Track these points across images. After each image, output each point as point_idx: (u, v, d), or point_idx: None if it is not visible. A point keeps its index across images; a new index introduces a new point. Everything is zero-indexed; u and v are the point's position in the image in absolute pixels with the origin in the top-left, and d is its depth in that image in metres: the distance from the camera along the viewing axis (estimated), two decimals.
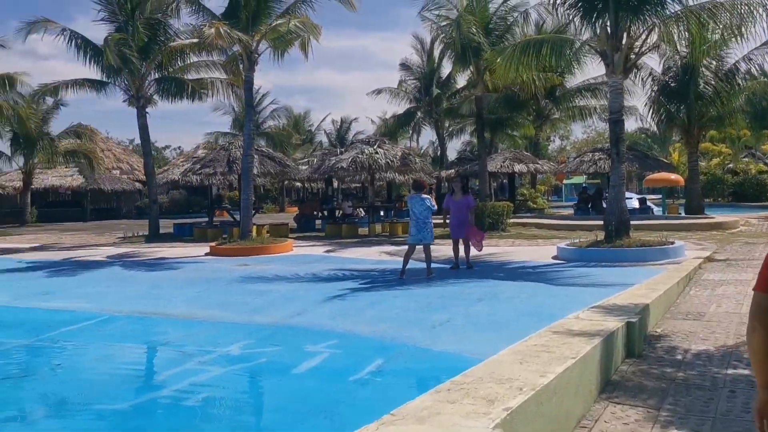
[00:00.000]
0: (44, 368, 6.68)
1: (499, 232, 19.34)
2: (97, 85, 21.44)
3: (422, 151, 69.43)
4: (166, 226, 24.57)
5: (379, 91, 37.78)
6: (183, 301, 10.04)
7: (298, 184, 45.71)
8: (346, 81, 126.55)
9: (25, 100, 35.82)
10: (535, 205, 32.40)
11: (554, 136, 74.05)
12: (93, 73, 20.94)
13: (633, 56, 13.75)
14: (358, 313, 8.70)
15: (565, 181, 65.57)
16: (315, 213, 25.31)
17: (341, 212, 24.58)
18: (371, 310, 8.90)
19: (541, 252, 14.87)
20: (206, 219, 23.93)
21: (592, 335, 5.25)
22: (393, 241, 18.70)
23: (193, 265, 14.55)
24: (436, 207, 11.73)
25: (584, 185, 40.24)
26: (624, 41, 13.33)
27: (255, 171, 20.29)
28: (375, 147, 20.51)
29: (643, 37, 13.44)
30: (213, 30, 14.08)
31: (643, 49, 13.64)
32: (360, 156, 20.05)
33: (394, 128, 39.48)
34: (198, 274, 12.99)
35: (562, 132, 67.46)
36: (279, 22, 15.64)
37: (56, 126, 48.15)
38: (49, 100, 36.85)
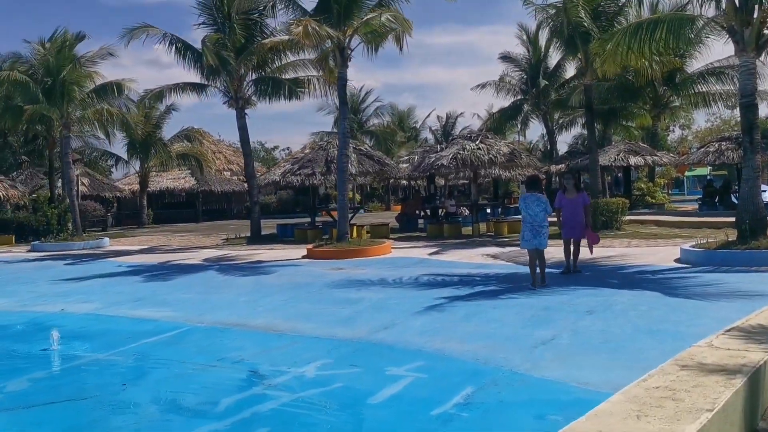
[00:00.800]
0: (104, 390, 6.27)
1: (614, 231, 17.83)
2: (197, 88, 21.71)
3: (531, 145, 67.36)
4: (271, 227, 24.66)
5: (483, 86, 36.60)
6: (268, 310, 9.54)
7: (404, 182, 45.17)
8: (454, 77, 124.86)
9: (137, 106, 37.52)
10: (654, 201, 30.13)
11: (674, 126, 69.79)
12: (194, 76, 21.21)
13: (767, 31, 12.03)
14: (450, 328, 7.84)
15: (687, 174, 61.36)
16: (417, 212, 24.58)
17: (444, 211, 23.71)
18: (466, 325, 8.01)
19: (661, 254, 13.40)
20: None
21: (731, 372, 4.17)
22: (498, 242, 17.65)
23: (288, 269, 14.16)
24: (551, 209, 10.55)
25: (709, 177, 37.19)
26: (756, 14, 11.68)
27: (353, 170, 19.86)
28: (477, 142, 19.50)
29: None
30: (300, 28, 13.60)
31: None
32: (461, 152, 19.10)
33: (500, 122, 38.12)
34: (290, 279, 12.54)
35: (684, 121, 63.30)
36: (370, 15, 14.97)
37: (170, 130, 50.30)
38: (162, 106, 38.59)
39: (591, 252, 11.61)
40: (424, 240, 19.36)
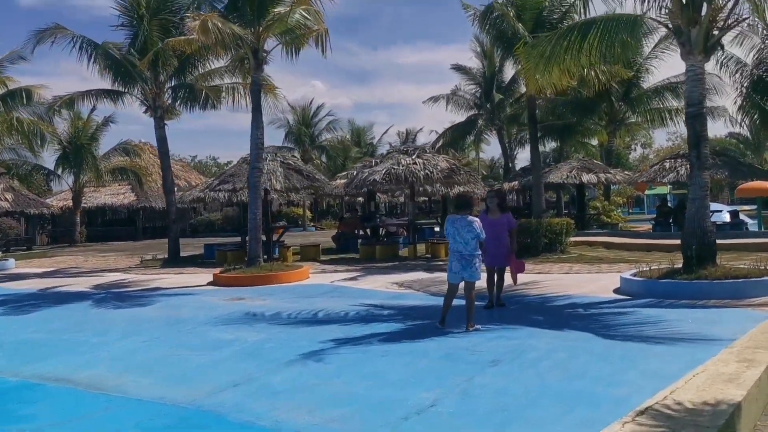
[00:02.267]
0: None
1: (557, 254, 16.36)
2: (113, 96, 19.84)
3: (493, 162, 66.39)
4: (200, 246, 22.79)
5: (435, 99, 35.19)
6: (111, 358, 7.74)
7: (360, 199, 43.65)
8: (423, 94, 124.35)
9: (72, 117, 35.37)
10: (609, 220, 28.88)
11: (635, 145, 69.45)
12: (109, 83, 19.34)
13: (716, 32, 10.67)
14: (314, 387, 6.15)
15: (647, 192, 60.70)
16: (357, 231, 22.91)
17: (384, 230, 22.10)
18: (336, 381, 6.34)
19: (602, 282, 11.90)
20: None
21: None
22: (431, 266, 16.03)
23: (180, 298, 12.37)
24: (484, 235, 8.81)
25: (665, 196, 36.15)
26: (704, 11, 10.31)
27: (278, 186, 18.19)
28: (414, 157, 17.95)
29: (729, 5, 10.38)
30: (198, 22, 11.91)
31: (730, 21, 10.55)
32: (395, 167, 17.53)
33: (453, 138, 36.77)
34: (171, 313, 10.73)
35: (644, 140, 62.86)
36: (278, 10, 13.35)
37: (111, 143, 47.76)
38: (98, 117, 36.53)
39: (514, 282, 10.04)
40: (354, 263, 17.67)
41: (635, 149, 71.91)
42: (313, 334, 8.49)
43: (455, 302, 8.48)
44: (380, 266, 16.35)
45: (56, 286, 14.88)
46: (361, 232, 22.42)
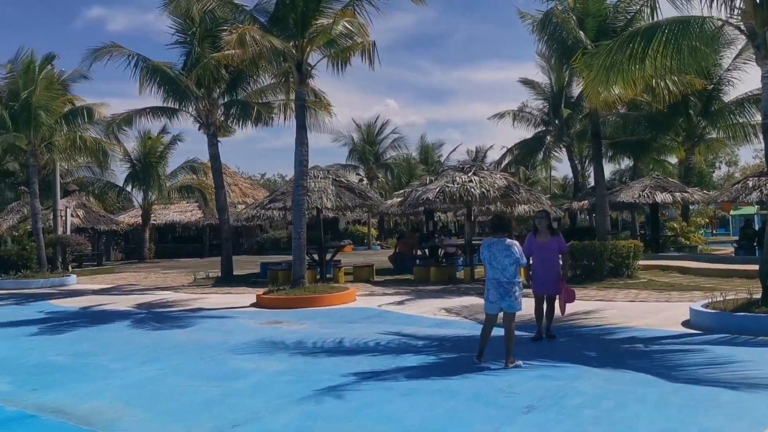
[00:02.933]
0: None
1: (624, 279, 15.14)
2: (168, 113, 19.90)
3: (567, 180, 64.34)
4: (259, 265, 22.52)
5: (501, 115, 34.17)
6: (121, 386, 7.26)
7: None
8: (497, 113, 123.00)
9: (143, 136, 36.22)
10: (687, 242, 27.07)
11: (719, 162, 66.12)
12: (160, 100, 19.42)
13: None
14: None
15: (733, 213, 57.48)
16: (414, 251, 22.15)
17: (443, 251, 21.26)
18: (347, 426, 5.62)
19: (669, 313, 10.75)
20: None
21: None
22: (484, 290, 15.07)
23: (217, 321, 11.93)
24: (525, 260, 8.00)
25: (751, 217, 33.82)
26: None
27: (329, 204, 17.69)
28: (470, 174, 17.11)
29: None
30: (234, 36, 11.53)
31: None
32: (449, 185, 16.73)
33: (521, 156, 35.62)
34: (201, 336, 10.27)
35: (729, 157, 59.67)
36: (322, 21, 12.87)
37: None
38: (168, 136, 37.27)
39: (562, 312, 9.07)
40: (407, 285, 16.92)
41: (719, 167, 68.48)
42: (338, 365, 7.80)
43: (497, 333, 7.64)
44: (433, 289, 15.54)
45: (102, 304, 14.77)
46: (419, 253, 21.64)
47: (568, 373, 7.04)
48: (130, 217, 39.15)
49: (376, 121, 44.97)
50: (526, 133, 36.39)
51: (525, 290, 7.92)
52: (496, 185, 16.72)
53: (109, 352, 9.25)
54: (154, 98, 19.17)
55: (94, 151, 22.14)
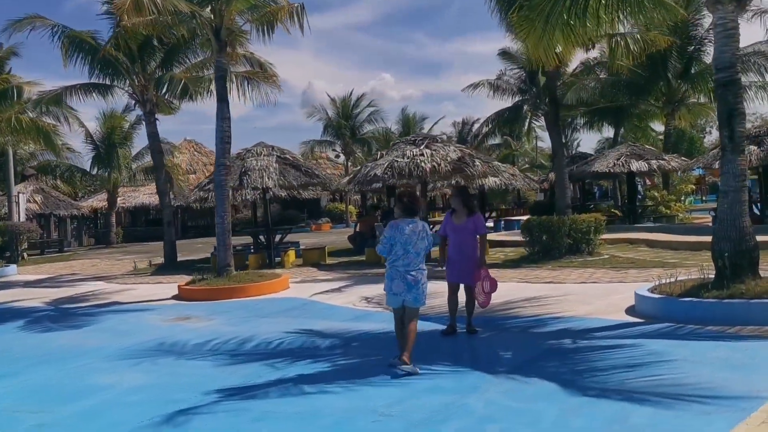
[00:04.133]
0: None
1: (583, 256, 13.98)
2: (101, 90, 18.48)
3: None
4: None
5: (476, 86, 32.60)
6: None
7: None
8: None
9: (104, 116, 34.85)
10: (668, 211, 25.86)
11: (710, 127, 64.67)
12: (87, 76, 17.99)
13: None
14: None
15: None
16: (375, 230, 20.96)
17: None
18: None
19: (616, 297, 9.59)
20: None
21: None
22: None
23: (121, 318, 10.77)
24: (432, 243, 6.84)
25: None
26: None
27: (272, 183, 16.47)
28: (422, 147, 15.86)
29: None
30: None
31: None
32: (399, 160, 15.49)
33: (497, 126, 34.16)
34: (84, 341, 9.06)
35: (715, 122, 58.22)
36: None
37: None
38: (132, 115, 35.85)
39: (482, 304, 7.88)
40: (357, 267, 15.75)
41: (710, 132, 67.03)
42: (212, 377, 6.66)
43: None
44: (379, 273, 14.32)
45: (15, 300, 13.59)
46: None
47: (466, 384, 5.88)
48: (98, 201, 37.88)
49: (350, 95, 43.45)
50: (506, 103, 34.98)
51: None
52: (448, 158, 15.47)
53: None
54: (83, 74, 17.78)
55: (31, 132, 20.74)
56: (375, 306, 10.38)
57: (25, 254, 26.89)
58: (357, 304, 10.69)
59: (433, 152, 15.58)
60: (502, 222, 27.17)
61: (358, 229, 20.96)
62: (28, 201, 30.68)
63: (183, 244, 30.48)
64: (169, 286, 14.00)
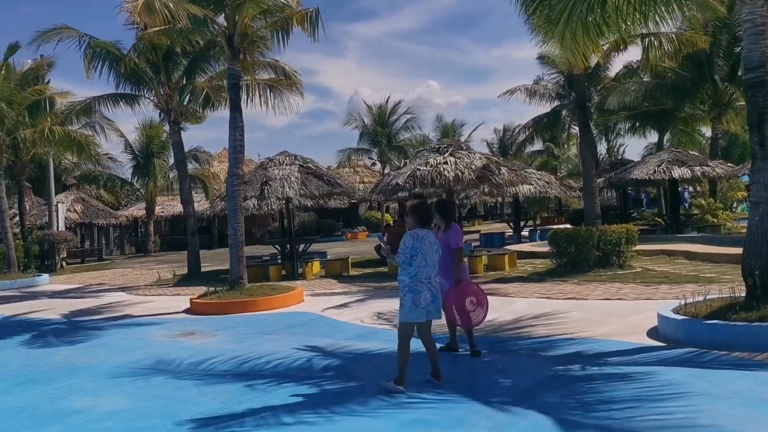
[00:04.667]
0: None
1: (613, 269, 13.23)
2: (129, 99, 18.50)
3: (601, 156, 61.42)
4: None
5: (512, 92, 31.88)
6: None
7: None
8: None
9: (143, 126, 35.30)
10: (714, 220, 24.67)
11: None
12: (125, 87, 18.01)
13: None
14: None
15: None
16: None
17: None
18: None
19: (639, 317, 8.91)
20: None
21: None
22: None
23: (126, 332, 10.54)
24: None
25: None
26: None
27: (292, 193, 16.15)
28: (446, 155, 15.34)
29: None
30: (140, 2, 9.98)
31: None
32: (422, 168, 15.00)
33: (537, 131, 33.43)
34: (82, 358, 8.80)
35: None
36: None
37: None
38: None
39: (471, 322, 7.28)
40: (376, 280, 15.29)
41: None
42: (193, 401, 6.32)
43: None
44: (396, 286, 13.93)
45: (34, 311, 13.56)
46: None
47: (453, 416, 5.36)
48: (137, 210, 38.36)
49: (387, 102, 43.08)
50: (544, 109, 34.20)
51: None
52: (473, 166, 14.91)
53: None
54: (110, 85, 17.83)
55: (64, 143, 20.98)
56: (383, 323, 9.91)
57: (63, 263, 27.25)
58: (365, 320, 10.22)
59: (458, 160, 15.05)
60: (538, 231, 26.33)
61: (385, 240, 20.45)
62: (68, 210, 31.15)
63: (219, 253, 30.62)
64: (185, 299, 13.77)
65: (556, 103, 32.46)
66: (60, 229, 27.30)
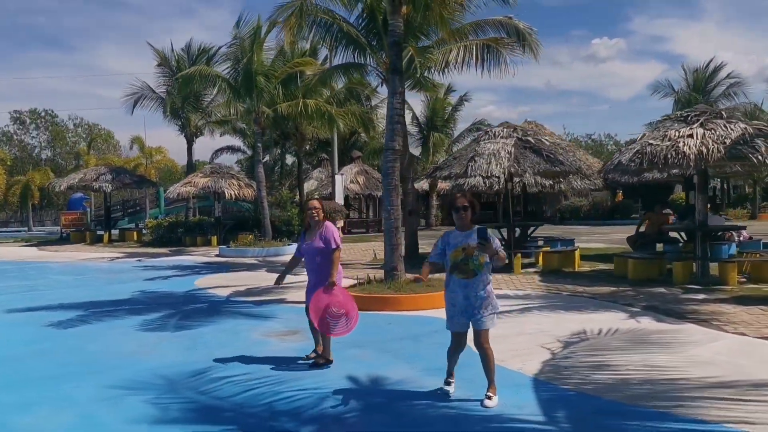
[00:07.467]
0: None
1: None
2: (353, 69, 17.56)
3: None
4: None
5: None
6: None
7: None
8: None
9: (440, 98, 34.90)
10: None
11: None
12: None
13: None
14: None
15: None
16: (665, 232, 16.45)
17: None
18: None
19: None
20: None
21: None
22: (678, 302, 9.83)
23: (233, 323, 9.56)
24: None
25: None
26: None
27: (496, 172, 13.79)
28: (694, 126, 11.50)
29: None
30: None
31: None
32: (653, 143, 11.44)
33: None
34: (144, 347, 8.02)
35: None
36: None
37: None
38: (454, 96, 35.36)
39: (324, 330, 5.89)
40: (599, 281, 12.23)
41: None
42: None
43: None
44: (606, 292, 10.86)
45: (218, 286, 13.47)
46: (672, 235, 15.96)
47: None
48: (423, 184, 38.56)
49: (706, 66, 36.32)
50: None
51: None
52: (727, 140, 10.88)
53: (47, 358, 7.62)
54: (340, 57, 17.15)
55: (315, 115, 21.33)
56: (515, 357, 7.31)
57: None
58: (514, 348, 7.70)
59: (708, 132, 11.14)
60: None
61: (642, 229, 16.72)
62: (351, 182, 32.33)
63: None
64: None
65: None
66: (336, 200, 28.30)
